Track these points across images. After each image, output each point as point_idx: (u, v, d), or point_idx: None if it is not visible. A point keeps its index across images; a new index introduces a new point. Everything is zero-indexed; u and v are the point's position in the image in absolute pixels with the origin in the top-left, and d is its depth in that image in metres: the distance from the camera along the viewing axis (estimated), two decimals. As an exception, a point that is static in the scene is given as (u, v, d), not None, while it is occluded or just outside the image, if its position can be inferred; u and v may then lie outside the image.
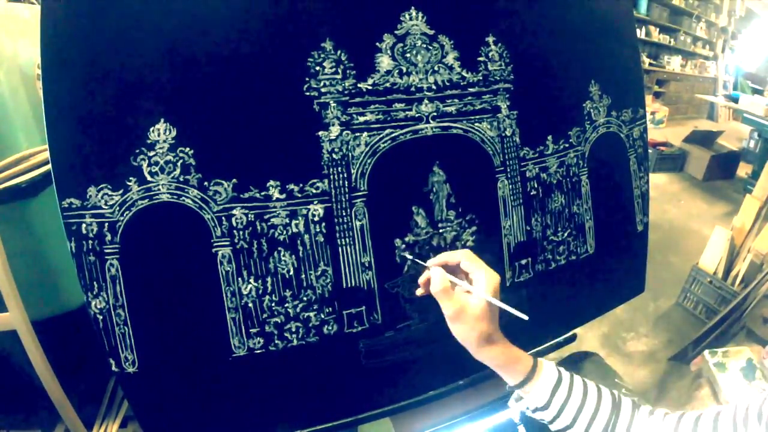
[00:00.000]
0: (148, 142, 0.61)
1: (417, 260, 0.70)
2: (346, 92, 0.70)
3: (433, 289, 0.60)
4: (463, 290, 0.61)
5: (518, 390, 0.61)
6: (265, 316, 0.68)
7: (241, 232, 0.65)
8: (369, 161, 0.71)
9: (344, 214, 0.70)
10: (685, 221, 3.56)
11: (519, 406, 0.62)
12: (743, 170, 4.50)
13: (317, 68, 0.68)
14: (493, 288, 0.60)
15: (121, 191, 0.60)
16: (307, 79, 0.68)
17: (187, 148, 0.62)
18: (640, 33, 6.27)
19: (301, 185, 0.68)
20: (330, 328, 0.72)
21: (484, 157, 0.80)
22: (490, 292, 0.59)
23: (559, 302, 0.94)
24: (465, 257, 0.63)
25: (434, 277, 0.61)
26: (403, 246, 0.74)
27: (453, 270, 0.64)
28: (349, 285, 0.72)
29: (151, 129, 0.61)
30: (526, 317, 0.57)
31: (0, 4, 1.20)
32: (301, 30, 0.67)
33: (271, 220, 0.67)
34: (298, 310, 0.70)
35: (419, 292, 0.65)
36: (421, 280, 0.65)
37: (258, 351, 0.68)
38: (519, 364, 0.60)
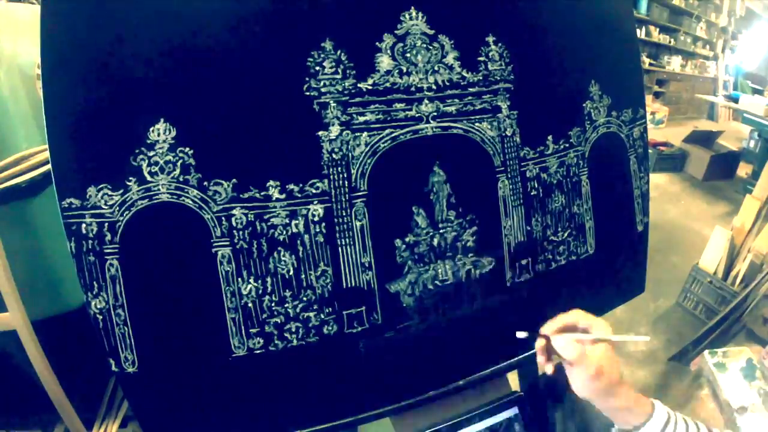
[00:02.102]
0: (148, 142, 0.61)
1: (526, 334, 0.68)
2: (346, 92, 0.70)
3: (569, 357, 0.61)
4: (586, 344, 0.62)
5: (624, 426, 0.63)
6: (264, 316, 0.68)
7: (240, 232, 0.65)
8: (369, 161, 0.71)
9: (344, 214, 0.70)
10: (685, 221, 3.56)
11: None
12: (743, 170, 4.50)
13: (317, 68, 0.68)
14: (610, 331, 0.62)
15: (120, 191, 0.60)
16: (306, 79, 0.68)
17: (187, 148, 0.62)
18: (640, 33, 6.27)
19: (301, 185, 0.68)
20: (330, 328, 0.72)
21: (484, 157, 0.80)
22: (611, 333, 0.61)
23: (559, 302, 0.94)
24: (579, 316, 0.64)
25: (565, 346, 0.61)
26: (404, 246, 0.74)
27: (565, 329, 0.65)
28: (349, 285, 0.72)
29: (150, 129, 0.61)
30: (647, 338, 0.65)
31: (-1, 4, 1.20)
32: (300, 30, 0.67)
33: (271, 220, 0.67)
34: (297, 310, 0.70)
35: (549, 368, 0.64)
36: (539, 348, 0.64)
37: (258, 351, 0.68)
38: (641, 407, 0.62)
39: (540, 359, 0.64)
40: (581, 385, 0.61)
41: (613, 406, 0.62)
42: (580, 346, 0.61)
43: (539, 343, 0.64)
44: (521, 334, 0.67)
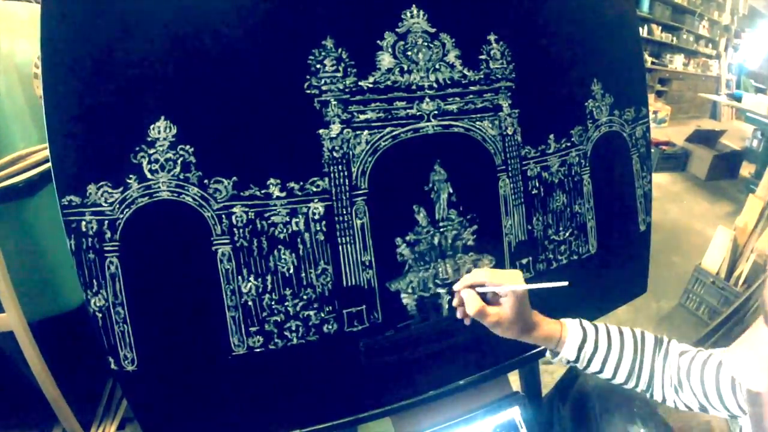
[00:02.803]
0: (149, 139, 0.61)
1: (444, 290, 0.78)
2: (347, 90, 0.70)
3: (470, 312, 0.68)
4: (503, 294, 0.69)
5: (552, 350, 0.73)
6: (264, 314, 0.68)
7: (241, 230, 0.66)
8: (370, 159, 0.72)
9: (345, 212, 0.71)
10: (687, 221, 3.57)
11: (556, 360, 0.73)
12: (746, 170, 4.51)
13: (318, 66, 0.69)
14: (520, 280, 0.68)
15: (121, 189, 0.61)
16: (307, 77, 0.68)
17: (188, 146, 0.63)
18: (643, 31, 6.28)
19: (301, 183, 0.68)
20: (330, 327, 0.72)
21: (485, 155, 0.81)
22: (519, 283, 0.67)
23: (560, 302, 0.94)
24: (486, 273, 0.69)
25: (467, 300, 0.68)
26: (404, 245, 0.75)
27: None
28: (350, 284, 0.73)
29: (151, 127, 0.61)
30: (566, 283, 0.65)
31: (-3, 2, 1.20)
32: (301, 28, 0.68)
33: (272, 218, 0.67)
34: (298, 308, 0.70)
35: (459, 315, 0.71)
36: (455, 303, 0.71)
37: (258, 350, 0.69)
38: (553, 335, 0.71)
39: (458, 313, 0.71)
40: (491, 329, 0.69)
41: (531, 341, 0.71)
42: (479, 301, 0.68)
43: (456, 298, 0.70)
44: (441, 290, 0.79)
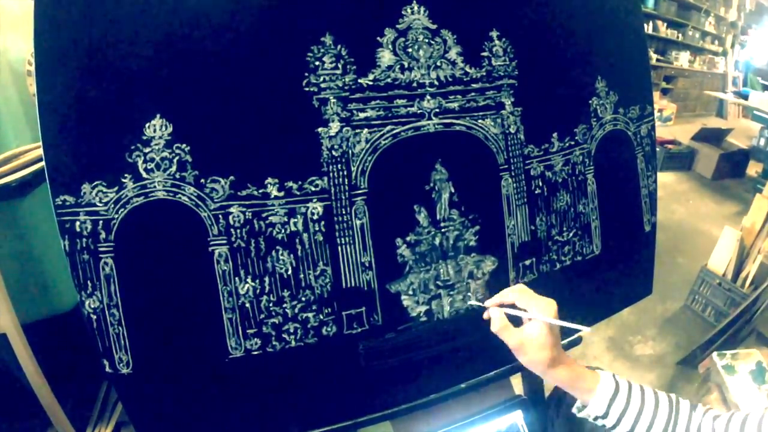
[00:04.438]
0: (144, 138, 0.61)
1: (479, 304, 0.78)
2: (346, 88, 0.70)
3: (493, 329, 0.69)
4: (526, 320, 0.69)
5: (581, 401, 0.70)
6: (262, 316, 0.68)
7: (238, 231, 0.66)
8: (369, 158, 0.72)
9: (344, 212, 0.71)
10: (693, 221, 3.57)
11: (582, 414, 0.70)
12: (753, 169, 4.51)
13: (317, 63, 0.68)
14: (552, 312, 0.67)
15: (116, 188, 0.61)
16: (306, 74, 0.68)
17: (184, 145, 0.63)
18: (648, 28, 6.28)
19: (299, 183, 0.68)
20: (329, 329, 0.72)
21: (487, 154, 0.81)
22: (549, 316, 0.67)
23: (564, 304, 0.94)
24: (518, 294, 0.70)
25: (492, 317, 0.70)
26: (405, 246, 0.75)
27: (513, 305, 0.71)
28: (349, 285, 0.73)
29: (147, 125, 0.61)
30: (588, 329, 0.65)
31: (-11, -2, 1.20)
32: (300, 24, 0.68)
33: (269, 218, 0.67)
34: (296, 310, 0.70)
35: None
36: (486, 316, 0.73)
37: (255, 352, 0.69)
38: (583, 382, 0.68)
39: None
40: (517, 357, 0.68)
41: (555, 381, 0.69)
42: (503, 320, 0.69)
43: (486, 314, 0.73)
44: (473, 303, 0.80)
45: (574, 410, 0.71)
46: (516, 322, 0.70)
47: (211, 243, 0.65)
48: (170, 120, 0.62)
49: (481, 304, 0.77)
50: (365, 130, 0.71)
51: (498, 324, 0.69)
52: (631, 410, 0.66)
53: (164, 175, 0.62)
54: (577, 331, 0.65)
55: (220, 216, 0.65)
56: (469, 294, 0.81)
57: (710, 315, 2.41)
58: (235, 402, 0.71)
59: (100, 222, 0.61)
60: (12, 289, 1.05)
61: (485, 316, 0.73)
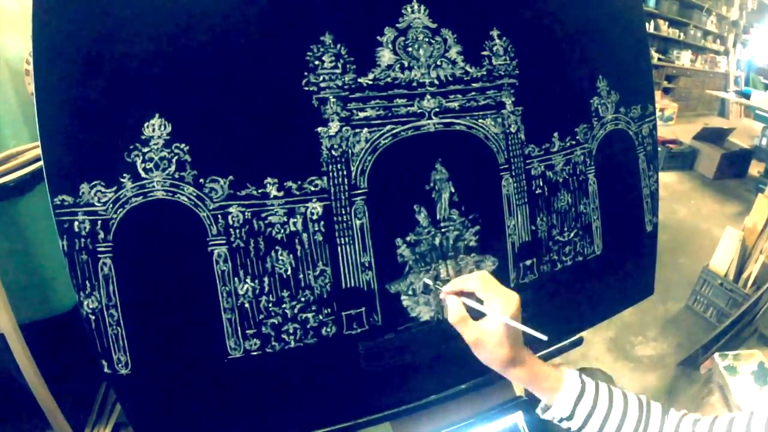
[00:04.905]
0: (143, 137, 0.61)
1: (436, 286, 0.75)
2: (345, 87, 0.70)
3: (450, 320, 0.65)
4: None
5: (544, 401, 0.65)
6: (261, 317, 0.68)
7: (237, 231, 0.66)
8: (369, 158, 0.72)
9: (344, 212, 0.71)
10: (695, 221, 3.57)
11: (546, 416, 0.65)
12: (755, 169, 4.52)
13: (316, 62, 0.69)
14: (512, 310, 0.62)
15: (114, 188, 0.61)
16: (305, 73, 0.68)
17: (183, 144, 0.63)
18: (649, 27, 6.28)
19: (299, 183, 0.68)
20: (328, 329, 0.73)
21: (487, 154, 0.81)
22: (508, 314, 0.61)
23: (565, 305, 0.94)
24: (479, 284, 0.65)
25: (450, 307, 0.65)
26: (405, 246, 0.75)
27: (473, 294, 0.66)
28: (349, 285, 0.73)
29: (145, 124, 0.61)
30: (545, 337, 0.60)
31: (-13, -3, 1.20)
32: (299, 23, 0.68)
33: (269, 218, 0.67)
34: (295, 311, 0.70)
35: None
36: (442, 299, 0.69)
37: (254, 353, 0.69)
38: (545, 381, 0.63)
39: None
40: (473, 351, 0.64)
41: (515, 380, 0.65)
42: (461, 311, 0.64)
43: (442, 297, 0.70)
44: (428, 281, 0.76)
45: (538, 411, 0.67)
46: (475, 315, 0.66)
47: (210, 243, 0.65)
48: (169, 119, 0.62)
49: (432, 283, 0.73)
50: (365, 130, 0.71)
51: (455, 315, 0.64)
52: (599, 412, 0.62)
53: (163, 174, 0.62)
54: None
55: (219, 216, 0.65)
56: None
57: (712, 315, 2.41)
58: (235, 403, 0.71)
59: (99, 222, 0.61)
60: (10, 290, 1.05)
61: (441, 298, 0.69)
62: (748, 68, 7.34)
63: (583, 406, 0.62)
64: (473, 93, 0.79)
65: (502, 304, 0.62)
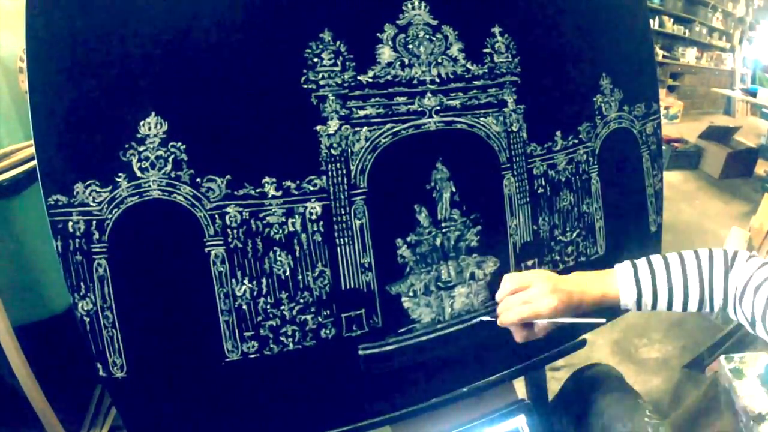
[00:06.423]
0: (138, 136, 0.61)
1: (489, 318, 0.79)
2: (345, 85, 0.70)
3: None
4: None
5: (614, 300, 0.73)
6: (259, 318, 0.68)
7: (235, 231, 0.66)
8: (369, 157, 0.72)
9: (343, 212, 0.71)
10: (700, 221, 3.57)
11: (628, 305, 0.73)
12: (762, 168, 4.51)
13: (315, 60, 0.69)
14: (548, 279, 0.72)
15: (109, 188, 0.61)
16: (304, 71, 0.68)
17: (179, 143, 0.63)
18: (654, 23, 6.28)
19: (297, 182, 0.68)
20: (328, 331, 0.73)
21: (489, 153, 0.81)
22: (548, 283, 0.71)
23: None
24: (513, 283, 0.74)
25: (514, 333, 0.73)
26: (405, 246, 0.75)
27: None
28: (348, 287, 0.73)
29: (141, 123, 0.61)
30: (603, 320, 0.72)
31: (-20, -7, 1.20)
32: (298, 20, 0.68)
33: (267, 218, 0.67)
34: (294, 312, 0.70)
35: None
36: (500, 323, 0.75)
37: (252, 355, 0.69)
38: (603, 300, 0.73)
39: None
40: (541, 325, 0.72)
41: (584, 305, 0.73)
42: (521, 329, 0.72)
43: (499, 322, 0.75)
44: (485, 318, 0.80)
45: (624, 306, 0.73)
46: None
47: (207, 244, 0.65)
48: (165, 118, 0.62)
49: (491, 318, 0.78)
50: (365, 128, 0.71)
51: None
52: (661, 300, 0.70)
53: (159, 174, 0.62)
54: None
55: (217, 216, 0.65)
56: (471, 295, 0.81)
57: (717, 318, 2.40)
58: (232, 407, 0.71)
59: (94, 222, 0.61)
60: (3, 291, 1.05)
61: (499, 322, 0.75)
62: (755, 66, 7.34)
63: (644, 302, 0.70)
64: (474, 91, 0.79)
65: (541, 283, 0.71)
